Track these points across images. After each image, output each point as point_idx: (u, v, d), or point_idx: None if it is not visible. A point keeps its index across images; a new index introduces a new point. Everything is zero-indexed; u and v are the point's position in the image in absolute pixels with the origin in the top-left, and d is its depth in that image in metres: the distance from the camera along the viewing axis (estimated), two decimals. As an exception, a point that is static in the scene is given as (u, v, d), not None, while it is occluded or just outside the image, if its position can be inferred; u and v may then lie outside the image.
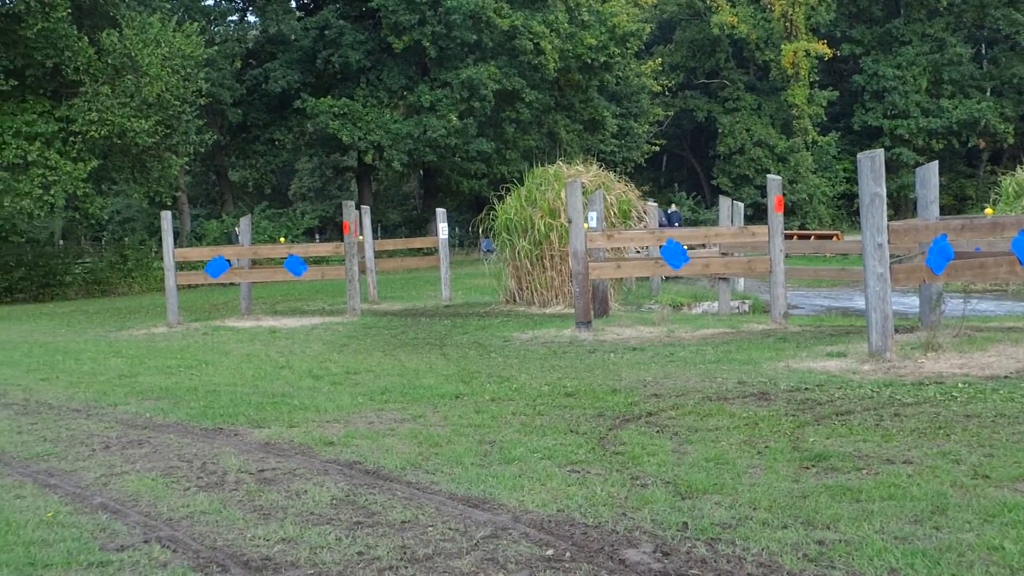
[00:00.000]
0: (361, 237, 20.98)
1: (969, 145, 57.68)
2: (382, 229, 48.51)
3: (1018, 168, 24.44)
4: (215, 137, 37.77)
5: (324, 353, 12.31)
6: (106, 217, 43.90)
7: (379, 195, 53.18)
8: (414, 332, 14.51)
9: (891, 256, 9.45)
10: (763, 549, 4.19)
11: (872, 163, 9.14)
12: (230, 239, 33.22)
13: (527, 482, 5.40)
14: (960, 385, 7.76)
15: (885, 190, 9.17)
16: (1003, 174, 26.86)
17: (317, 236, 52.28)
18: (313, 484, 5.61)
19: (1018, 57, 56.62)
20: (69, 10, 26.68)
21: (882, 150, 9.60)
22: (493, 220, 18.91)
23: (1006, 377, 8.11)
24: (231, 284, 22.10)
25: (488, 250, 30.24)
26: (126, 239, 44.10)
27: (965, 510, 4.52)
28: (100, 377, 10.79)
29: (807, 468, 5.46)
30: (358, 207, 20.15)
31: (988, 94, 57.27)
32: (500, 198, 19.13)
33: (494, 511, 4.95)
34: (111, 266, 33.68)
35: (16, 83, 27.06)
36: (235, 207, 44.81)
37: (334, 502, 5.24)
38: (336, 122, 39.87)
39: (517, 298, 18.14)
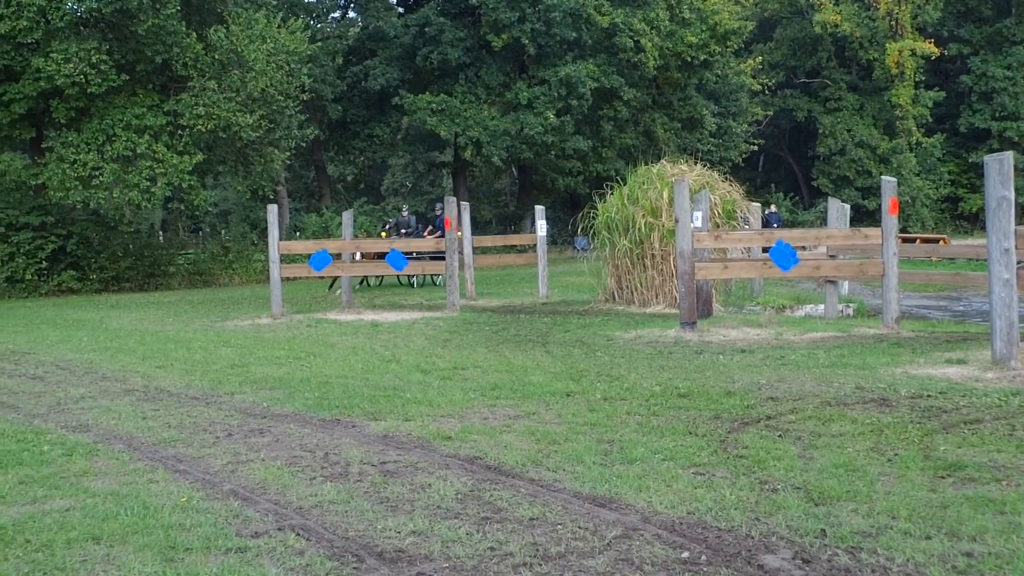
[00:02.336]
0: (460, 233, 21.10)
1: (1082, 148, 55.74)
2: (473, 225, 48.71)
3: None
4: (315, 132, 38.36)
5: (428, 348, 12.39)
6: (208, 209, 44.90)
7: (472, 191, 53.42)
8: (515, 329, 14.53)
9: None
10: (908, 560, 4.08)
11: (1000, 166, 8.86)
12: (395, 229, 32.25)
13: (652, 483, 5.35)
14: (1092, 396, 7.48)
15: (1013, 194, 8.88)
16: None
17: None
18: (436, 478, 5.64)
19: None
20: (179, 7, 27.30)
21: (1011, 153, 9.30)
22: (592, 218, 18.83)
23: None
24: (330, 276, 22.41)
25: (582, 248, 30.02)
26: (224, 231, 45.07)
27: (1120, 527, 4.35)
28: (213, 366, 11.02)
29: (942, 477, 5.31)
30: (458, 203, 20.24)
31: (1103, 96, 55.26)
32: (599, 196, 19.04)
33: (622, 511, 4.91)
34: (213, 257, 34.45)
35: (127, 78, 27.79)
36: (333, 201, 45.44)
37: (459, 496, 5.25)
38: (434, 118, 40.16)
39: (616, 297, 18.04)
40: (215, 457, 6.39)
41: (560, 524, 4.73)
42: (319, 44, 37.02)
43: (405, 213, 22.68)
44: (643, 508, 4.95)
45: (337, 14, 47.40)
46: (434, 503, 5.15)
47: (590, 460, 5.91)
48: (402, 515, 4.95)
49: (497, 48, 40.36)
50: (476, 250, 23.58)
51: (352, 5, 47.37)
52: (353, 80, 42.12)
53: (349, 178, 55.69)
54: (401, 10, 45.96)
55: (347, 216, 19.07)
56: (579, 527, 4.67)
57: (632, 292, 17.63)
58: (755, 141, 55.34)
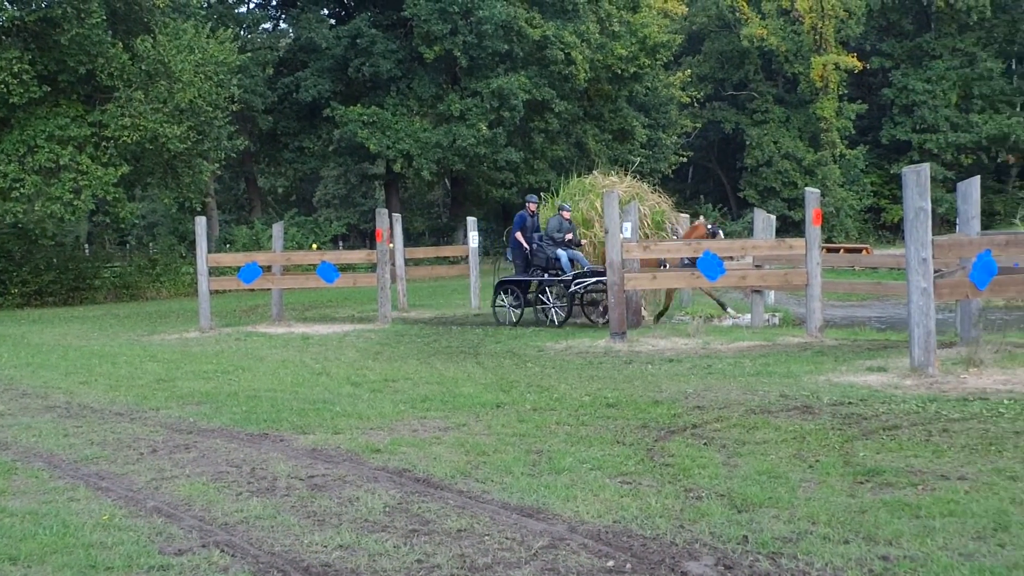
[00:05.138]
0: (392, 245, 21.04)
1: (998, 160, 57.20)
2: (406, 237, 48.55)
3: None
4: (245, 143, 37.96)
5: (360, 360, 12.34)
6: (135, 221, 44.18)
7: (405, 203, 53.31)
8: (447, 340, 14.53)
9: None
10: (827, 564, 4.17)
11: (917, 177, 9.09)
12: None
13: (579, 492, 5.40)
14: (1006, 401, 7.70)
15: (930, 204, 9.11)
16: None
17: (341, 243, 52.48)
18: (364, 491, 5.63)
19: (1050, 73, 56.24)
20: (104, 16, 26.86)
21: (928, 165, 9.55)
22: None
23: (1052, 394, 8.05)
24: (260, 289, 22.21)
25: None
26: (151, 244, 44.37)
27: (1029, 528, 4.49)
28: (138, 381, 10.85)
29: (861, 483, 5.43)
30: (389, 215, 20.19)
31: (1018, 109, 56.72)
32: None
33: (549, 521, 4.95)
34: (140, 270, 33.86)
35: (49, 89, 27.25)
36: (263, 213, 44.99)
37: (387, 509, 5.25)
38: (365, 131, 39.98)
39: (548, 308, 18.10)
40: (139, 474, 6.31)
41: (488, 535, 4.75)
42: (249, 55, 36.63)
43: (566, 214, 16.35)
44: (570, 518, 4.99)
45: (268, 25, 47.02)
46: (362, 516, 5.14)
47: (519, 471, 5.94)
48: (329, 529, 4.94)
49: (429, 60, 40.33)
50: (408, 262, 23.52)
51: (283, 16, 47.02)
52: (284, 91, 41.78)
53: (280, 190, 55.20)
54: (333, 21, 45.68)
55: (277, 228, 18.93)
56: (506, 538, 4.69)
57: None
58: (684, 153, 55.95)
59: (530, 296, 16.76)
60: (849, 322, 16.51)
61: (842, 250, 32.31)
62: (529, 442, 6.77)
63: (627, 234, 14.06)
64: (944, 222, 44.61)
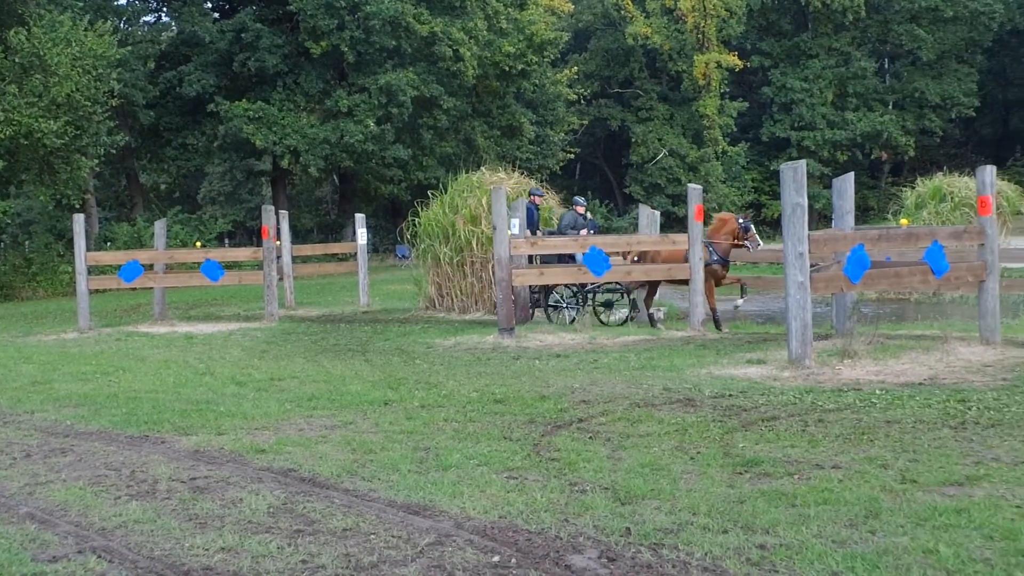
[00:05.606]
0: (279, 242, 20.78)
1: (872, 157, 59.19)
2: (294, 234, 47.88)
3: (919, 180, 25.18)
4: (126, 139, 36.97)
5: (245, 359, 12.15)
6: (8, 221, 42.58)
7: (292, 199, 52.59)
8: (335, 338, 14.42)
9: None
10: (706, 554, 4.27)
11: (794, 174, 9.35)
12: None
13: (466, 489, 5.42)
14: (878, 392, 7.99)
15: (807, 200, 9.39)
16: (904, 186, 27.67)
17: (227, 241, 51.54)
18: (248, 492, 5.55)
19: (919, 72, 58.29)
20: (-27, 6, 25.99)
21: (804, 161, 9.85)
22: (415, 226, 18.88)
23: (920, 384, 8.40)
24: (143, 288, 21.67)
25: (404, 256, 29.89)
26: (27, 242, 42.86)
27: (897, 514, 4.67)
28: (12, 383, 10.49)
29: (740, 474, 5.57)
30: (276, 212, 19.93)
31: (890, 107, 58.83)
32: (421, 204, 19.12)
33: (436, 518, 4.96)
34: (15, 269, 32.75)
35: (-85, 80, 26.24)
36: (146, 210, 43.88)
37: (271, 510, 5.18)
38: (251, 126, 39.36)
39: (437, 304, 18.13)
40: (11, 479, 6.10)
41: (374, 534, 4.73)
42: (129, 48, 35.67)
43: (581, 208, 15.72)
44: (456, 514, 5.00)
45: (149, 18, 45.86)
46: (245, 518, 5.06)
47: (405, 468, 5.93)
48: (211, 532, 4.85)
49: (316, 55, 39.92)
50: (296, 259, 23.22)
51: (165, 9, 45.91)
52: (166, 86, 40.81)
53: (163, 187, 53.92)
54: (216, 15, 44.81)
55: (159, 226, 18.51)
56: (392, 536, 4.68)
57: (452, 299, 17.76)
58: (572, 149, 56.53)
59: (535, 296, 15.92)
60: (730, 316, 16.89)
61: (725, 245, 33.05)
62: (416, 439, 6.76)
63: (515, 230, 14.15)
64: (821, 217, 45.96)
